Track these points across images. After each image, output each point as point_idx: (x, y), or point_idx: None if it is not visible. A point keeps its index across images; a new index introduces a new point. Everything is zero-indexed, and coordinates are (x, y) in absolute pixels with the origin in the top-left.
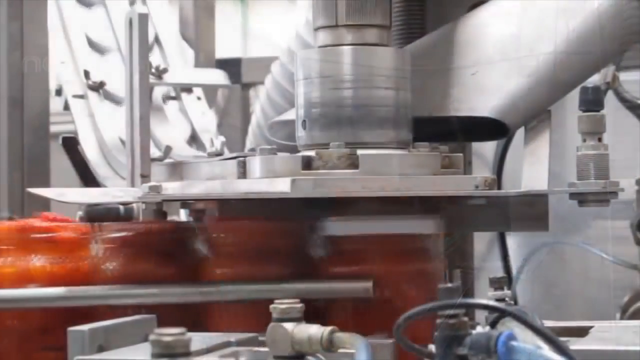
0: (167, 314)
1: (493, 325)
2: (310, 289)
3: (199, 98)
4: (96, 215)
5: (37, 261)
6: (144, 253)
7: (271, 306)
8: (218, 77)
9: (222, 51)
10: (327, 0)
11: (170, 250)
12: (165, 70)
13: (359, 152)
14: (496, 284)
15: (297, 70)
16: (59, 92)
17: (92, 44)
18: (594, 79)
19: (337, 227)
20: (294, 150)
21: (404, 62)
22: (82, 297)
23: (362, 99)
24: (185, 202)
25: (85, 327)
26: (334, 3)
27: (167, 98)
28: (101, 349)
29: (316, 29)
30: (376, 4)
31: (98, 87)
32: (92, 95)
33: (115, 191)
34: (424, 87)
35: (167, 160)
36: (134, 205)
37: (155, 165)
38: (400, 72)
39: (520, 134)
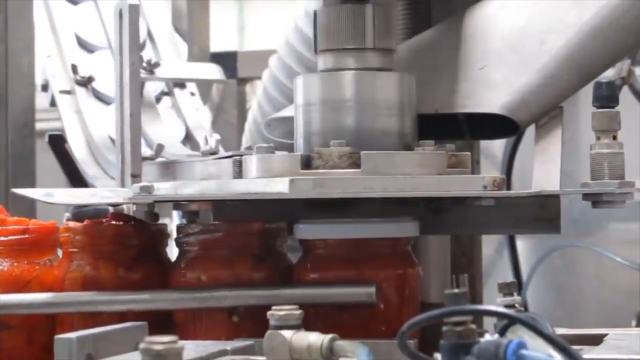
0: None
1: (502, 332)
2: (310, 295)
3: (192, 94)
4: (84, 216)
5: None
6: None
7: (269, 313)
8: (213, 71)
9: (217, 44)
10: (329, 24)
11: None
12: (157, 65)
13: (361, 150)
14: (505, 289)
15: (296, 96)
16: (45, 87)
17: (80, 42)
18: (608, 74)
19: None
20: (292, 148)
21: (410, 87)
22: (69, 303)
23: (365, 125)
24: (178, 204)
25: (73, 335)
26: (336, 27)
27: (161, 94)
28: (90, 357)
29: (317, 52)
30: (381, 27)
31: (86, 82)
32: (80, 91)
33: (104, 192)
34: (429, 82)
35: (159, 159)
36: (124, 206)
37: (146, 164)
38: (406, 97)
39: (530, 131)
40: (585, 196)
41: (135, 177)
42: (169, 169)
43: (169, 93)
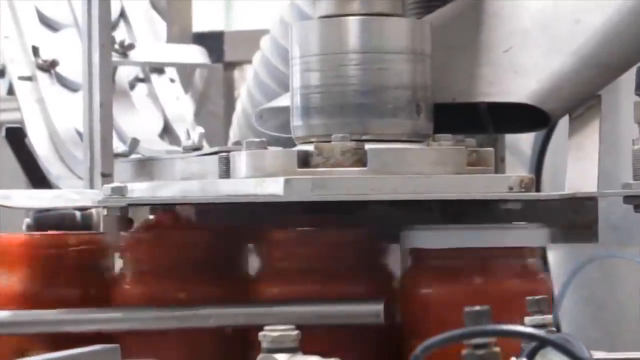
0: None
1: (531, 356)
2: (308, 313)
3: (172, 80)
4: (47, 222)
5: None
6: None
7: (261, 334)
8: (196, 54)
9: (201, 23)
10: None
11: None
12: (131, 47)
13: (367, 146)
14: (534, 306)
15: (293, 47)
16: (1, 73)
17: (43, 19)
18: None
19: None
20: (288, 143)
21: (423, 36)
22: (30, 322)
23: (371, 81)
24: (155, 207)
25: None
26: None
27: (136, 81)
28: None
29: None
30: None
31: (49, 66)
32: (42, 77)
33: (70, 194)
34: (446, 67)
35: (133, 156)
36: (93, 210)
37: (119, 161)
38: (419, 48)
39: (563, 123)
40: (627, 198)
41: (106, 176)
42: (145, 167)
43: (145, 79)
